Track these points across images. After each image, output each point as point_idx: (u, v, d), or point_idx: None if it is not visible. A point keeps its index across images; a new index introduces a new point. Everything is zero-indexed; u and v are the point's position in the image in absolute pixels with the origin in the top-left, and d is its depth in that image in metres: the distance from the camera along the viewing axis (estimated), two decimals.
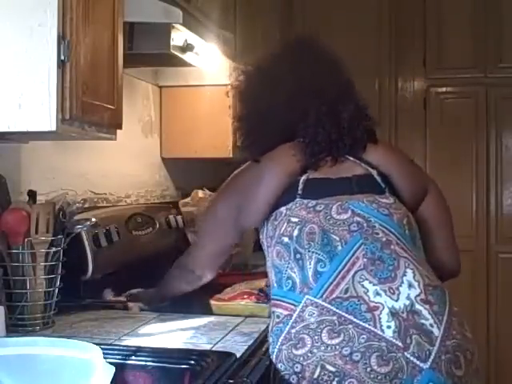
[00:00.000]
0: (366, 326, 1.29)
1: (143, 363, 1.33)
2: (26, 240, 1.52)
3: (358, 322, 1.30)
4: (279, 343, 1.35)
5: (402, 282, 1.35)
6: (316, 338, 1.30)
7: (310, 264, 1.38)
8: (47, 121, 1.33)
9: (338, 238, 1.40)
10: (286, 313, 1.38)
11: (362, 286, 1.34)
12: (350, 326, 1.30)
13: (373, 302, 1.32)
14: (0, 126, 1.36)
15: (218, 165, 3.40)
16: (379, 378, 1.24)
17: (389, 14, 3.97)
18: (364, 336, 1.28)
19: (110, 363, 1.11)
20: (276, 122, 1.62)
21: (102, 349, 1.14)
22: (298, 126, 1.57)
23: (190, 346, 1.47)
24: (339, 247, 1.39)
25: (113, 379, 1.07)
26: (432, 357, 1.27)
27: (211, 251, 1.69)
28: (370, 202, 1.46)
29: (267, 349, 1.49)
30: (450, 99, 4.02)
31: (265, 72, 1.69)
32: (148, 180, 2.74)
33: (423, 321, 1.31)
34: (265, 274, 1.77)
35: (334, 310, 1.32)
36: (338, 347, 1.28)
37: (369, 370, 1.25)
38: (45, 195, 1.85)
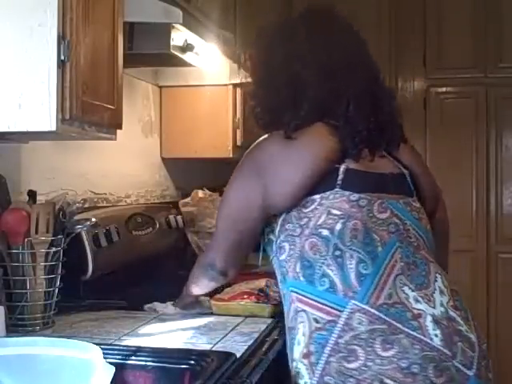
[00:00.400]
0: (416, 335, 1.24)
1: (143, 363, 1.33)
2: (25, 240, 1.52)
3: (407, 330, 1.24)
4: (326, 354, 1.25)
5: (435, 289, 1.31)
6: (369, 349, 1.23)
7: (352, 264, 1.30)
8: (47, 121, 1.33)
9: (378, 238, 1.32)
10: (328, 318, 1.28)
11: (403, 291, 1.29)
12: (402, 336, 1.24)
13: (415, 308, 1.27)
14: (0, 125, 1.36)
15: (218, 165, 3.41)
16: None
17: (389, 14, 3.97)
18: (417, 346, 1.23)
19: (110, 363, 1.11)
20: (307, 98, 1.44)
21: (102, 349, 1.14)
22: (333, 107, 1.43)
23: (190, 346, 1.46)
24: (379, 248, 1.32)
25: (113, 379, 1.07)
26: (475, 363, 1.26)
27: (232, 243, 1.49)
28: (406, 205, 1.41)
29: (267, 349, 1.49)
30: (450, 99, 4.02)
31: (288, 38, 1.50)
32: (148, 180, 2.74)
33: (460, 327, 1.28)
34: (265, 274, 1.76)
35: (384, 317, 1.25)
36: (394, 359, 1.22)
37: (428, 382, 1.21)
38: (45, 195, 1.85)
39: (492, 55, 3.91)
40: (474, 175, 3.95)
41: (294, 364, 1.31)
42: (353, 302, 1.27)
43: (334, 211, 1.33)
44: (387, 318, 1.25)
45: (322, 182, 1.37)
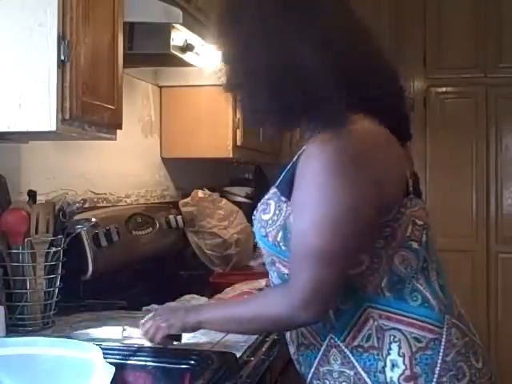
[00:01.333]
0: (479, 342, 1.27)
1: (143, 363, 1.32)
2: (25, 240, 1.52)
3: (476, 339, 1.26)
4: (436, 375, 1.17)
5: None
6: (469, 364, 1.21)
7: (434, 276, 1.24)
8: (47, 121, 1.33)
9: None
10: (430, 336, 1.18)
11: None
12: (476, 345, 1.25)
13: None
14: (0, 125, 1.36)
15: (217, 165, 3.42)
16: None
17: (389, 14, 3.97)
18: (485, 352, 1.26)
19: (110, 363, 1.11)
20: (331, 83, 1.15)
21: (102, 349, 1.14)
22: (361, 95, 1.16)
23: (190, 346, 1.46)
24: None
25: (113, 379, 1.07)
26: None
27: (342, 272, 1.15)
28: (425, 210, 1.29)
29: (267, 349, 1.49)
30: (450, 99, 4.02)
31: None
32: (148, 180, 2.74)
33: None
34: (265, 275, 1.75)
35: (464, 328, 1.24)
36: (484, 370, 1.23)
37: None
38: (45, 195, 1.85)
39: (492, 55, 3.91)
40: (473, 175, 3.95)
41: None
42: (447, 316, 1.22)
43: (418, 221, 1.21)
44: (465, 329, 1.25)
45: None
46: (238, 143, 2.80)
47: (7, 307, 1.49)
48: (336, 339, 1.21)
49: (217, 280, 2.34)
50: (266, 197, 1.26)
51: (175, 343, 1.40)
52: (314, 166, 1.14)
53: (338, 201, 1.11)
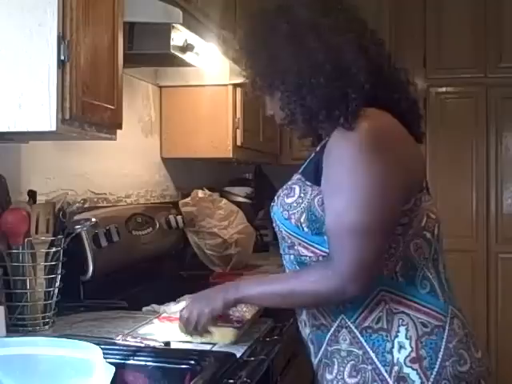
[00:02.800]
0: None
1: (143, 363, 1.33)
2: (26, 240, 1.52)
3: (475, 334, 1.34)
4: (440, 359, 1.25)
5: None
6: (470, 352, 1.28)
7: (441, 269, 1.33)
8: (47, 121, 1.33)
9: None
10: (436, 323, 1.27)
11: None
12: (475, 338, 1.32)
13: None
14: (0, 125, 1.36)
15: (217, 165, 3.42)
16: None
17: (389, 14, 3.97)
18: (482, 347, 1.33)
19: (110, 363, 1.11)
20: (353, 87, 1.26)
21: (102, 349, 1.14)
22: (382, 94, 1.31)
23: (190, 346, 1.46)
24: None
25: (113, 379, 1.07)
26: None
27: (381, 247, 1.23)
28: (435, 206, 1.39)
29: (267, 349, 1.49)
30: (450, 99, 4.02)
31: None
32: (148, 180, 2.74)
33: None
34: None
35: (465, 321, 1.32)
36: (484, 361, 1.31)
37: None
38: (45, 195, 1.85)
39: (492, 55, 3.91)
40: (473, 175, 3.95)
41: (396, 368, 1.24)
42: (451, 307, 1.30)
43: (431, 215, 1.32)
44: (465, 321, 1.32)
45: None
46: (238, 143, 2.80)
47: (7, 307, 1.50)
48: (347, 320, 1.28)
49: (217, 280, 2.34)
50: (290, 183, 1.34)
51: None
52: (342, 152, 1.24)
53: (368, 179, 1.20)
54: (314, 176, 1.29)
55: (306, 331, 1.38)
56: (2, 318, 1.44)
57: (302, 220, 1.28)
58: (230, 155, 2.79)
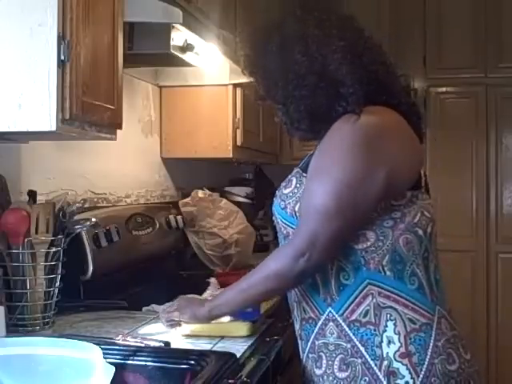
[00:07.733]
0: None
1: (143, 363, 1.33)
2: (25, 240, 1.52)
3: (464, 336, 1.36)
4: (429, 356, 1.26)
5: None
6: (458, 353, 1.29)
7: (432, 268, 1.33)
8: (47, 121, 1.33)
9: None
10: (423, 320, 1.28)
11: None
12: (464, 339, 1.33)
13: None
14: (0, 125, 1.36)
15: (217, 165, 3.42)
16: None
17: (389, 14, 3.97)
18: (472, 350, 1.35)
19: (110, 363, 1.11)
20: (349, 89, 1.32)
21: (102, 349, 1.14)
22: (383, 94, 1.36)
23: (190, 346, 1.46)
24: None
25: (113, 379, 1.07)
26: None
27: (340, 226, 1.25)
28: (432, 207, 1.40)
29: (267, 349, 1.49)
30: (450, 99, 4.02)
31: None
32: (148, 180, 2.74)
33: None
34: None
35: (453, 323, 1.33)
36: (472, 362, 1.31)
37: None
38: (45, 195, 1.85)
39: (492, 55, 3.91)
40: (473, 175, 3.95)
41: (386, 362, 1.25)
42: (438, 307, 1.31)
43: (426, 213, 1.33)
44: (453, 323, 1.33)
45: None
46: (238, 143, 2.80)
47: (7, 307, 1.49)
48: (334, 313, 1.31)
49: (217, 280, 2.34)
50: (289, 176, 1.39)
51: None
52: (331, 142, 1.30)
53: (345, 170, 1.25)
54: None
55: (296, 327, 1.40)
56: (2, 318, 1.44)
57: (296, 209, 1.32)
58: (230, 155, 2.79)
